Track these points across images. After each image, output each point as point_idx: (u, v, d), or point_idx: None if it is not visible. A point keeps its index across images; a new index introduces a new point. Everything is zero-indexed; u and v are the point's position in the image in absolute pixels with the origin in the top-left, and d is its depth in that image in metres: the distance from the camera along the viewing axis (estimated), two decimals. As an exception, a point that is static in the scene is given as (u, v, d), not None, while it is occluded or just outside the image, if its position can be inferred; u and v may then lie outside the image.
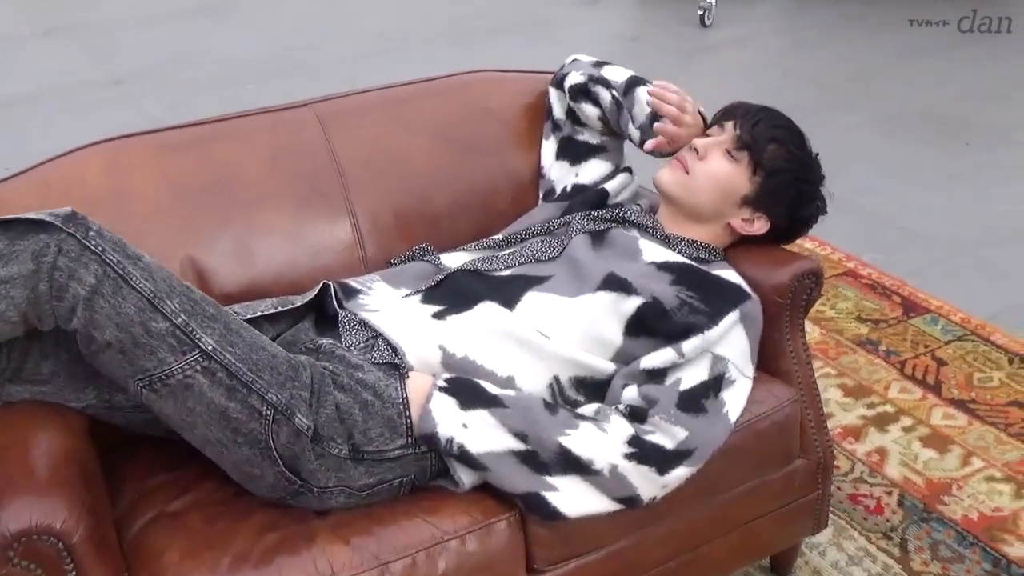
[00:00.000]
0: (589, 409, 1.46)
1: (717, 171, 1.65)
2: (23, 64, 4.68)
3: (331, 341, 1.46)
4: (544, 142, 1.85)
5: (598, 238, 1.64)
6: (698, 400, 1.47)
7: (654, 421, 1.43)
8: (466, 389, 1.41)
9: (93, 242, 1.24)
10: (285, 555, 1.31)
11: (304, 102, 1.78)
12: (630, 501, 1.42)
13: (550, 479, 1.38)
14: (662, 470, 1.42)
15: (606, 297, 1.52)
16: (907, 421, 2.24)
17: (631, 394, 1.47)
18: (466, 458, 1.38)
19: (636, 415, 1.44)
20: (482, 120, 1.85)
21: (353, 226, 1.72)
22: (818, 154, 1.74)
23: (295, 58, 4.66)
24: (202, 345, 1.27)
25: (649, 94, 1.71)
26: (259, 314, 1.48)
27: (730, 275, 1.61)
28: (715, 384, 1.50)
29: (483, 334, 1.48)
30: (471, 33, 4.97)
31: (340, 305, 1.55)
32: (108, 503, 1.36)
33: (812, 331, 2.56)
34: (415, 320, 1.50)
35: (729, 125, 1.67)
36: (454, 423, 1.38)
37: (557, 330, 1.50)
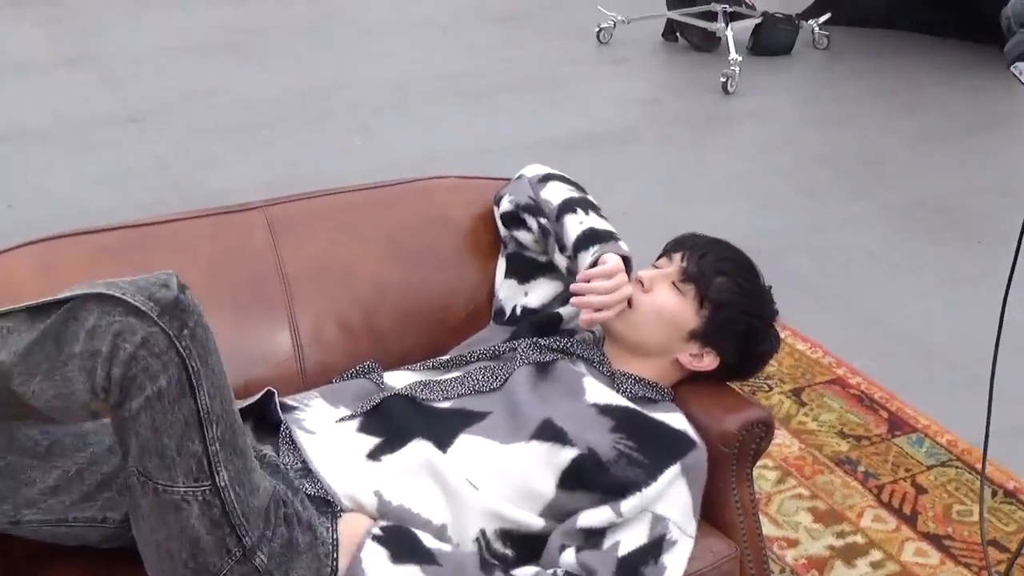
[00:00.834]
0: (526, 573, 1.40)
1: (662, 304, 1.60)
2: (42, 94, 4.72)
3: (273, 453, 1.44)
4: (500, 258, 1.80)
5: (542, 371, 1.59)
6: (637, 568, 1.41)
7: None
8: (400, 541, 1.36)
9: (184, 343, 1.18)
10: None
11: (255, 205, 1.74)
12: None
13: None
14: None
15: (539, 448, 1.47)
16: (876, 555, 2.15)
17: (568, 559, 1.41)
18: None
19: None
20: (440, 230, 1.81)
21: (294, 338, 1.67)
22: (771, 287, 1.68)
23: (310, 104, 4.65)
24: (217, 479, 1.23)
25: (572, 290, 1.61)
26: None
27: (675, 420, 1.55)
28: (655, 548, 1.44)
29: (417, 478, 1.44)
30: (487, 89, 4.94)
31: (283, 409, 1.52)
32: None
33: (791, 445, 2.48)
34: (350, 459, 1.46)
35: (677, 257, 1.63)
36: None
37: (487, 479, 1.45)
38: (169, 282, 1.21)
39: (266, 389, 1.55)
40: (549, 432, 1.47)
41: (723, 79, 4.91)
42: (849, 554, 2.15)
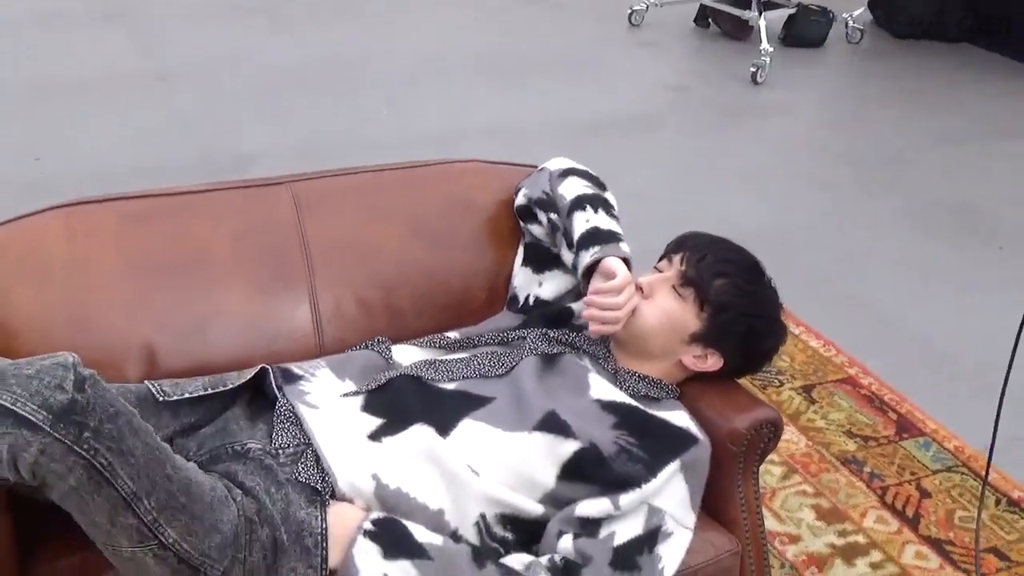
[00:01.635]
0: (519, 562, 1.42)
1: (662, 309, 1.61)
2: (74, 48, 4.74)
3: (260, 447, 1.44)
4: (519, 246, 1.82)
5: (549, 363, 1.60)
6: (632, 557, 1.43)
7: None
8: (392, 535, 1.37)
9: (85, 445, 1.14)
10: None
11: (282, 179, 1.76)
12: None
13: None
14: None
15: (542, 439, 1.48)
16: (876, 556, 2.16)
17: (566, 545, 1.43)
18: None
19: (569, 570, 1.40)
20: (464, 214, 1.82)
21: (314, 313, 1.69)
22: (771, 279, 1.67)
23: (339, 73, 4.66)
24: (162, 538, 1.23)
25: (584, 303, 1.62)
26: (186, 396, 1.47)
27: (678, 417, 1.57)
28: (650, 539, 1.45)
29: (416, 463, 1.45)
30: (515, 67, 4.94)
31: (279, 389, 1.53)
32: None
33: (798, 441, 2.49)
34: (350, 439, 1.47)
35: (677, 259, 1.63)
36: (375, 573, 1.34)
37: (487, 466, 1.46)
38: (64, 382, 1.13)
39: (260, 367, 1.56)
40: (553, 424, 1.49)
41: (753, 69, 4.88)
42: (849, 553, 2.17)
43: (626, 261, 1.63)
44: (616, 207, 1.74)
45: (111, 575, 1.40)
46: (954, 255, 3.49)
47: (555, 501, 1.48)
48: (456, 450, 1.46)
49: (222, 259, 1.65)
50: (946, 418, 2.61)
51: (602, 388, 1.56)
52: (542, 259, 1.78)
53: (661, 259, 1.68)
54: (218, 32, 5.05)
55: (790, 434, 2.51)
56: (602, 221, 1.68)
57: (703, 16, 5.62)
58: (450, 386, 1.56)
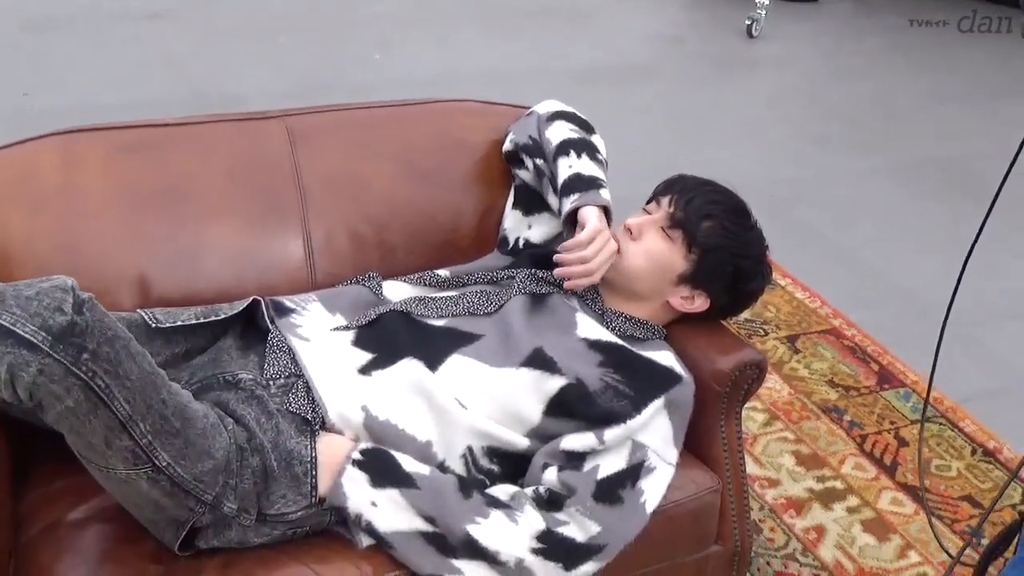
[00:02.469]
0: (505, 492, 1.45)
1: (650, 250, 1.63)
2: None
3: (251, 377, 1.45)
4: (512, 187, 1.83)
5: (537, 302, 1.62)
6: (614, 491, 1.46)
7: (570, 512, 1.43)
8: (380, 464, 1.40)
9: (84, 367, 1.14)
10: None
11: (275, 113, 1.75)
12: None
13: (456, 562, 1.37)
14: (569, 566, 1.41)
15: (528, 374, 1.50)
16: (853, 501, 2.21)
17: (551, 477, 1.46)
18: (373, 534, 1.38)
19: (553, 501, 1.43)
20: (456, 153, 1.82)
21: (306, 247, 1.70)
22: (756, 222, 1.68)
23: (332, 15, 4.63)
24: (156, 461, 1.24)
25: (554, 260, 1.61)
26: (179, 323, 1.48)
27: (663, 356, 1.59)
28: (632, 473, 1.48)
29: (405, 395, 1.47)
30: (510, 12, 4.90)
31: (272, 321, 1.55)
32: (7, 501, 1.37)
33: (781, 390, 2.53)
34: (341, 371, 1.49)
35: (665, 201, 1.65)
36: (364, 500, 1.37)
37: (475, 399, 1.49)
38: (63, 304, 1.13)
39: (252, 298, 1.57)
40: (539, 360, 1.51)
41: (748, 22, 4.87)
42: (827, 498, 2.21)
43: (606, 209, 1.63)
44: (603, 150, 1.75)
45: (104, 498, 1.43)
46: (941, 211, 3.52)
47: (541, 436, 1.50)
48: (445, 384, 1.48)
49: (216, 190, 1.66)
50: (927, 370, 2.65)
51: (589, 327, 1.58)
52: (531, 202, 1.79)
53: (649, 201, 1.70)
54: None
55: (773, 382, 2.54)
56: (584, 167, 1.67)
57: (700, -33, 5.58)
58: (439, 322, 1.58)
